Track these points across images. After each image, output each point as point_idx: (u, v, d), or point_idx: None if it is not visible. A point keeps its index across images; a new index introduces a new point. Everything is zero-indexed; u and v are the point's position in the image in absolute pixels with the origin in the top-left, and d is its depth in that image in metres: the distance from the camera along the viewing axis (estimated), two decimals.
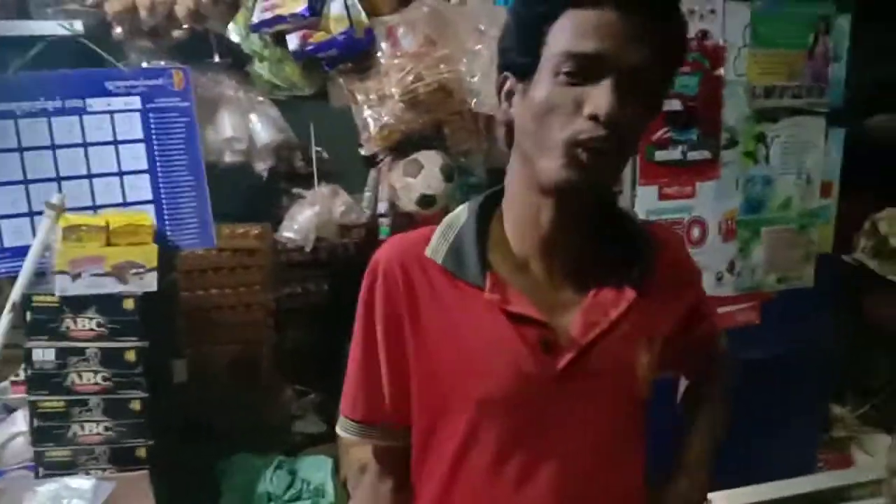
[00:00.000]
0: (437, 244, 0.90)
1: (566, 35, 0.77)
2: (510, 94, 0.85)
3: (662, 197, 1.96)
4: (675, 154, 1.96)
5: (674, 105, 1.94)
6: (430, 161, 2.04)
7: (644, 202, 1.93)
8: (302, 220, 2.13)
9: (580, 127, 0.77)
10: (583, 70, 0.77)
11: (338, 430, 0.99)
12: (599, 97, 0.76)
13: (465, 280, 0.87)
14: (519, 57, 0.83)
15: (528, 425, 0.87)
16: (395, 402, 0.93)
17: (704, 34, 1.94)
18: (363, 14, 1.89)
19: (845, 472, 1.28)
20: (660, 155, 1.94)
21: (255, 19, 1.86)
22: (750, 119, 2.03)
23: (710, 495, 1.18)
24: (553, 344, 0.85)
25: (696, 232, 2.02)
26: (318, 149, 2.47)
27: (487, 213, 0.91)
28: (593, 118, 0.76)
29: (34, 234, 1.83)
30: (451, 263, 0.88)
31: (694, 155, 1.98)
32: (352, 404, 0.97)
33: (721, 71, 1.97)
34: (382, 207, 2.18)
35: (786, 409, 2.20)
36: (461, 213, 0.93)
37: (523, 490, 0.88)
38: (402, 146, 2.06)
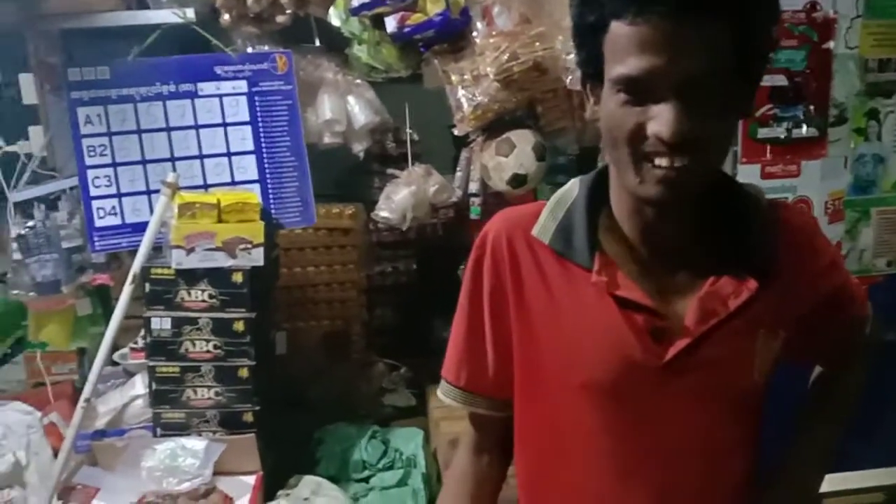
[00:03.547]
0: (545, 222, 0.88)
1: (614, 55, 0.73)
2: (593, 92, 0.81)
3: (765, 176, 1.90)
4: (779, 131, 1.89)
5: (779, 80, 1.86)
6: (523, 140, 2.05)
7: (745, 181, 1.87)
8: (398, 200, 2.18)
9: (649, 147, 0.73)
10: (640, 91, 0.72)
11: (440, 394, 0.99)
12: (661, 118, 0.71)
13: (573, 260, 0.85)
14: (586, 65, 0.79)
15: (631, 416, 0.84)
16: (498, 375, 0.93)
17: (813, 6, 1.85)
18: None
19: None
20: (763, 132, 1.87)
21: (356, 2, 1.91)
22: (861, 94, 1.93)
23: None
24: (663, 332, 0.81)
25: None
26: (410, 130, 2.52)
27: (599, 191, 0.87)
28: (659, 139, 0.71)
29: (151, 210, 1.96)
30: (559, 243, 0.86)
31: (799, 132, 1.90)
32: (456, 371, 0.96)
33: (831, 44, 1.87)
34: (474, 187, 2.20)
35: (892, 398, 2.10)
36: (571, 190, 0.90)
37: (623, 483, 0.86)
38: (494, 126, 2.07)
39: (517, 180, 2.07)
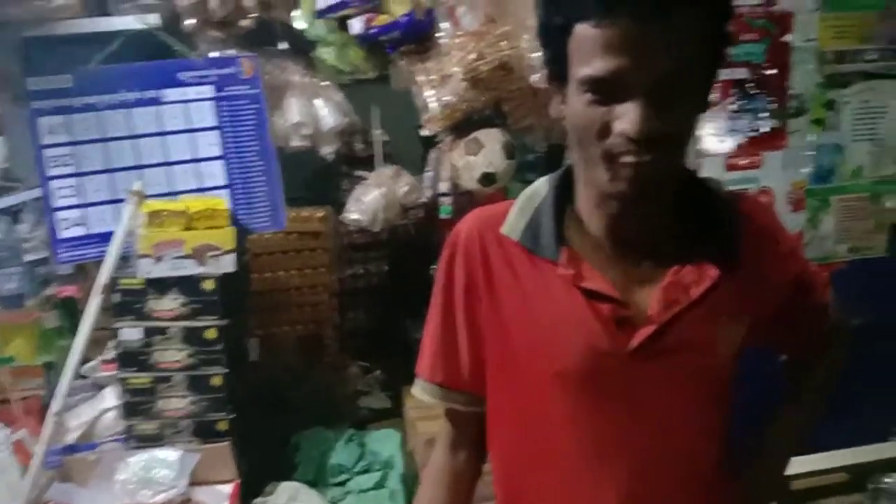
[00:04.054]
0: (514, 220, 0.91)
1: (580, 56, 0.74)
2: (558, 90, 0.82)
3: (728, 168, 1.93)
4: (741, 124, 1.92)
5: (739, 74, 1.90)
6: (491, 139, 2.06)
7: (709, 173, 1.90)
8: (368, 202, 2.18)
9: (615, 144, 0.75)
10: (605, 91, 0.73)
11: (415, 391, 1.00)
12: (627, 117, 0.73)
13: (541, 255, 0.87)
14: (551, 64, 0.81)
15: (602, 404, 0.86)
16: (473, 370, 0.95)
17: (771, 0, 1.90)
18: None
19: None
20: (725, 125, 1.91)
21: (320, 5, 1.90)
22: (820, 86, 1.97)
23: None
24: (628, 321, 0.84)
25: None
26: (379, 131, 2.52)
27: (565, 188, 0.90)
28: (626, 137, 0.73)
29: (118, 220, 1.93)
30: (527, 239, 0.88)
31: (761, 124, 1.94)
32: (431, 368, 0.98)
33: (789, 37, 1.92)
34: (443, 187, 2.21)
35: (859, 382, 2.15)
36: (539, 188, 0.92)
37: (596, 469, 0.87)
38: (463, 126, 2.08)
39: (487, 179, 2.08)
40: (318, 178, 3.03)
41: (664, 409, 0.87)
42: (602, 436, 0.88)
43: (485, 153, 2.06)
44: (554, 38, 0.77)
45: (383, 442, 2.29)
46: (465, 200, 2.23)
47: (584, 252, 0.87)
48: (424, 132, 2.08)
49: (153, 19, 1.90)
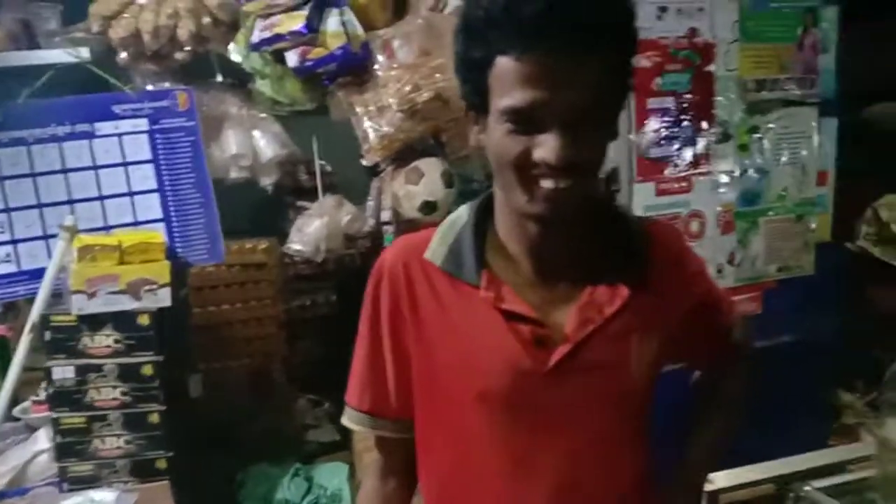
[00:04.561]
0: (436, 246, 0.94)
1: (501, 88, 0.77)
2: (478, 119, 0.86)
3: (660, 193, 1.99)
4: (670, 150, 1.99)
5: (667, 103, 1.97)
6: (431, 168, 2.09)
7: (641, 199, 1.97)
8: (310, 232, 2.18)
9: (536, 171, 0.79)
10: (524, 121, 0.77)
11: (344, 421, 1.02)
12: (546, 146, 0.77)
13: (463, 279, 0.90)
14: (470, 96, 0.84)
15: (524, 421, 0.89)
16: (400, 396, 0.97)
17: (694, 31, 1.98)
18: (359, 29, 1.94)
19: (834, 450, 1.31)
20: (655, 152, 1.98)
21: (255, 38, 1.92)
22: (742, 112, 2.06)
23: (714, 475, 1.21)
24: (546, 340, 0.87)
25: (694, 226, 2.05)
26: (322, 162, 2.53)
27: (485, 215, 0.94)
28: (545, 164, 0.78)
29: (49, 255, 1.89)
30: (450, 264, 0.91)
31: (689, 150, 2.01)
32: (359, 396, 0.99)
33: (712, 67, 2.01)
34: (386, 216, 2.22)
35: (792, 397, 2.22)
36: (461, 215, 0.96)
37: (522, 484, 0.90)
38: (403, 155, 2.10)
39: (428, 207, 2.10)
40: (263, 209, 3.01)
41: (584, 425, 0.90)
42: (525, 454, 0.90)
43: (425, 182, 2.09)
44: (475, 72, 0.81)
45: (330, 475, 2.27)
46: (408, 229, 2.24)
47: (504, 275, 0.90)
48: (364, 162, 2.10)
49: (84, 53, 1.88)
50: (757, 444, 1.43)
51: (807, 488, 1.16)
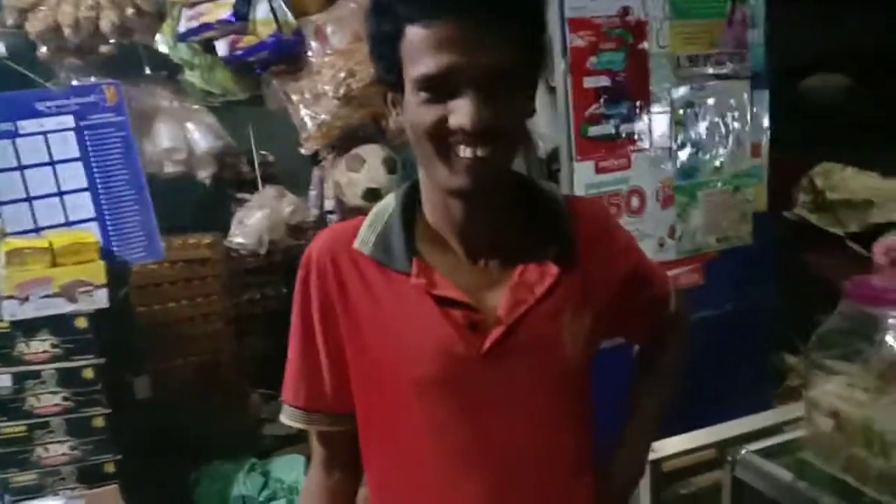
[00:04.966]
0: (364, 235, 0.92)
1: (412, 57, 0.78)
2: (395, 103, 0.86)
3: (599, 170, 2.01)
4: (608, 128, 2.00)
5: (603, 81, 1.98)
6: (372, 154, 2.07)
7: (582, 177, 1.98)
8: (251, 224, 2.14)
9: (453, 139, 0.79)
10: (439, 88, 0.78)
11: (282, 418, 1.00)
12: (461, 111, 0.77)
13: (393, 267, 0.89)
14: (385, 74, 0.84)
15: (462, 406, 0.88)
16: (335, 389, 0.95)
17: (626, 10, 1.99)
18: (290, 15, 1.90)
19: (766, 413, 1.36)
20: (593, 130, 1.98)
21: (182, 28, 1.86)
22: (677, 88, 2.09)
23: (656, 444, 1.23)
24: (479, 324, 0.87)
25: (634, 201, 2.07)
26: (264, 152, 2.49)
27: (413, 201, 0.92)
28: (462, 130, 0.78)
29: None
30: (379, 253, 0.90)
31: (626, 127, 2.03)
32: (294, 392, 0.98)
33: (645, 44, 2.02)
34: (329, 204, 2.20)
35: (738, 363, 2.28)
36: (388, 203, 0.95)
37: (462, 470, 0.90)
38: (343, 142, 2.08)
39: (371, 194, 2.08)
40: (206, 203, 2.94)
41: (522, 406, 0.90)
42: (465, 438, 0.90)
43: (367, 169, 2.07)
44: (386, 47, 0.81)
45: (287, 468, 2.25)
46: (353, 216, 2.22)
47: (434, 261, 0.89)
48: (303, 150, 2.06)
49: None
50: (705, 411, 1.47)
51: (743, 451, 1.19)
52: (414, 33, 0.77)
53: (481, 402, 0.89)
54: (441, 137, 0.79)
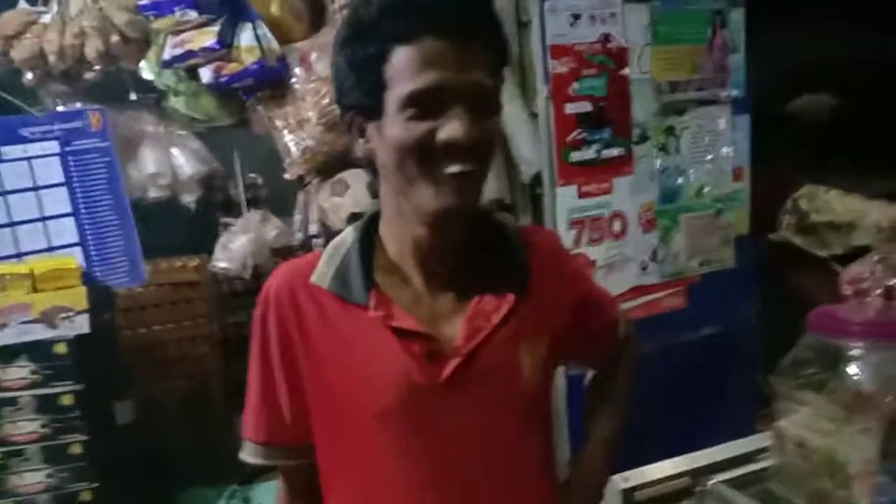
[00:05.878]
0: (323, 269, 0.93)
1: (400, 76, 0.79)
2: (363, 131, 0.87)
3: (581, 195, 2.03)
4: (589, 153, 2.03)
5: (584, 107, 2.01)
6: (357, 179, 2.07)
7: (564, 202, 2.00)
8: (235, 248, 2.15)
9: (442, 157, 0.80)
10: (428, 105, 0.79)
11: (243, 455, 0.99)
12: (452, 125, 0.79)
13: (351, 301, 0.90)
14: (363, 99, 0.84)
15: (423, 435, 0.89)
16: (295, 424, 0.95)
17: (607, 37, 2.02)
18: (274, 42, 1.92)
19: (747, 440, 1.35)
20: (575, 156, 2.01)
21: (167, 56, 1.88)
22: (658, 114, 2.11)
23: (629, 473, 1.24)
24: (438, 354, 0.88)
25: (617, 226, 2.09)
26: (253, 175, 2.50)
27: (371, 235, 0.94)
28: (452, 146, 0.79)
29: None
30: (337, 286, 0.91)
31: (608, 153, 2.05)
32: (254, 429, 0.97)
33: (626, 70, 2.05)
34: (314, 229, 2.20)
35: (722, 387, 2.28)
36: (347, 236, 0.96)
37: (426, 497, 0.90)
38: (328, 167, 2.09)
39: (355, 219, 2.05)
40: (194, 226, 2.95)
41: (483, 434, 0.91)
42: (427, 466, 0.90)
43: (351, 193, 2.07)
44: (369, 70, 0.82)
45: (268, 495, 2.21)
46: None
47: (392, 293, 0.90)
48: (287, 175, 2.07)
49: None
50: (690, 435, 1.46)
51: (712, 481, 1.19)
52: (402, 52, 0.79)
53: (442, 430, 0.89)
54: (426, 153, 0.80)
